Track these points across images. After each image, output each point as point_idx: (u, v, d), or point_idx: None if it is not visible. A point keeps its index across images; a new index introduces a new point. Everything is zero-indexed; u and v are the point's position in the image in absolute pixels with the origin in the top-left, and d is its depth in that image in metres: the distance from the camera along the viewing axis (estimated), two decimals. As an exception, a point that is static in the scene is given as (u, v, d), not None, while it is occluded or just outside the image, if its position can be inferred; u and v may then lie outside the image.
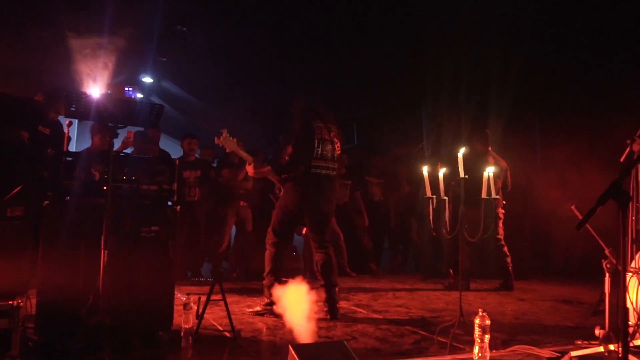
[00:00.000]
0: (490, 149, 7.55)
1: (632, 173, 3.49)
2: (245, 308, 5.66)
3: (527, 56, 9.15)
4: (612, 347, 3.46)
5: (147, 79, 15.84)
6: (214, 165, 8.23)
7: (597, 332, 3.77)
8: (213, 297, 4.56)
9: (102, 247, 3.88)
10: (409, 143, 10.34)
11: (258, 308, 5.49)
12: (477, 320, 3.68)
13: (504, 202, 7.58)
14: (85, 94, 3.81)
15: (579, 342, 3.74)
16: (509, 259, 7.35)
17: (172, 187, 4.48)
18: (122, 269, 4.12)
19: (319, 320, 5.26)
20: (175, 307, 4.54)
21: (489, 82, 9.30)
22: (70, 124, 5.79)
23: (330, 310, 5.38)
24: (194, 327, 4.49)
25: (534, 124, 10.62)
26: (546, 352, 3.70)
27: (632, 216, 3.49)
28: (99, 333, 3.74)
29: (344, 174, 8.66)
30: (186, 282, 7.51)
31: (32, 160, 5.70)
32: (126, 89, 3.94)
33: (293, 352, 2.79)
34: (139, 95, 12.82)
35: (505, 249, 7.39)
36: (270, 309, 5.34)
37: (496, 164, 7.46)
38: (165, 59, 14.37)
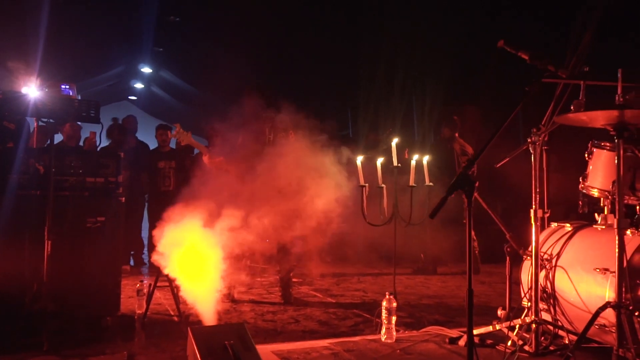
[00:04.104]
0: (457, 135, 7.64)
1: (537, 161, 3.61)
2: (205, 294, 5.87)
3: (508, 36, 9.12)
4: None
5: (146, 69, 16.03)
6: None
7: (499, 312, 3.93)
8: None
9: (46, 237, 4.12)
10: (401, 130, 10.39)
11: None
12: (384, 303, 3.84)
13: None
14: (19, 92, 4.00)
15: (494, 322, 3.88)
16: (475, 243, 7.47)
17: (117, 179, 4.69)
18: (68, 258, 4.34)
19: (273, 304, 5.50)
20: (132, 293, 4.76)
21: (469, 65, 9.30)
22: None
23: (283, 295, 5.59)
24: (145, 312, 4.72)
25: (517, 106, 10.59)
26: (455, 333, 3.87)
27: (534, 203, 3.63)
28: (42, 319, 3.97)
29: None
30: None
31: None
32: (62, 86, 4.12)
33: (190, 335, 2.99)
34: (138, 85, 12.95)
35: (472, 233, 7.50)
36: (226, 294, 5.55)
37: (462, 150, 7.57)
38: (161, 49, 14.53)
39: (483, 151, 2.53)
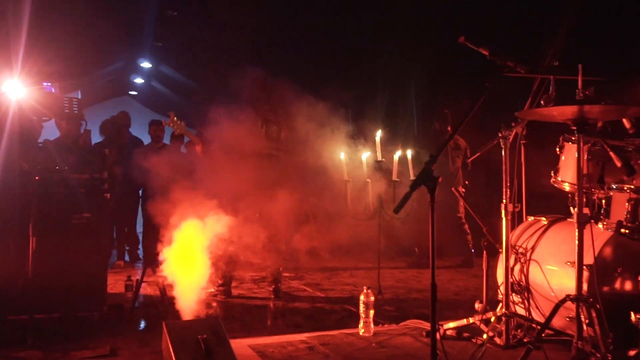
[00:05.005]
0: (449, 128, 7.62)
1: (507, 155, 3.62)
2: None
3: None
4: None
5: (146, 64, 16.06)
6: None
7: (476, 305, 3.94)
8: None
9: (30, 234, 4.16)
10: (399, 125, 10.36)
11: (212, 289, 5.73)
12: (361, 297, 3.86)
13: (466, 182, 7.67)
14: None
15: (474, 315, 3.89)
16: (469, 237, 7.47)
17: (102, 175, 4.71)
18: (53, 254, 4.36)
19: (262, 299, 5.53)
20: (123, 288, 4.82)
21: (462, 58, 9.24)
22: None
23: (273, 290, 5.62)
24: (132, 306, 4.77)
25: (515, 101, 10.56)
26: (432, 326, 3.88)
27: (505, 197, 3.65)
28: (27, 315, 4.02)
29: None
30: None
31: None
32: (44, 84, 4.15)
33: (165, 329, 3.02)
34: (138, 80, 12.98)
35: (466, 226, 7.51)
36: (222, 290, 5.59)
37: (455, 143, 7.55)
38: (160, 44, 14.54)
39: (444, 147, 2.53)
